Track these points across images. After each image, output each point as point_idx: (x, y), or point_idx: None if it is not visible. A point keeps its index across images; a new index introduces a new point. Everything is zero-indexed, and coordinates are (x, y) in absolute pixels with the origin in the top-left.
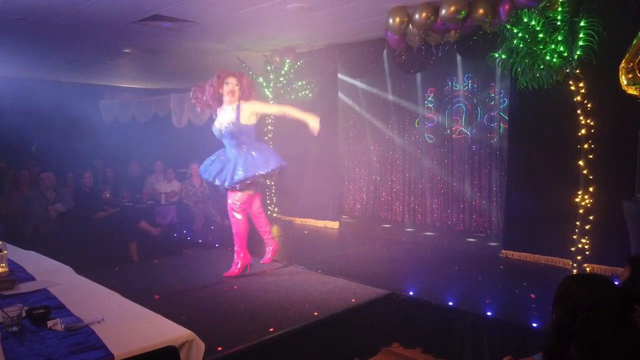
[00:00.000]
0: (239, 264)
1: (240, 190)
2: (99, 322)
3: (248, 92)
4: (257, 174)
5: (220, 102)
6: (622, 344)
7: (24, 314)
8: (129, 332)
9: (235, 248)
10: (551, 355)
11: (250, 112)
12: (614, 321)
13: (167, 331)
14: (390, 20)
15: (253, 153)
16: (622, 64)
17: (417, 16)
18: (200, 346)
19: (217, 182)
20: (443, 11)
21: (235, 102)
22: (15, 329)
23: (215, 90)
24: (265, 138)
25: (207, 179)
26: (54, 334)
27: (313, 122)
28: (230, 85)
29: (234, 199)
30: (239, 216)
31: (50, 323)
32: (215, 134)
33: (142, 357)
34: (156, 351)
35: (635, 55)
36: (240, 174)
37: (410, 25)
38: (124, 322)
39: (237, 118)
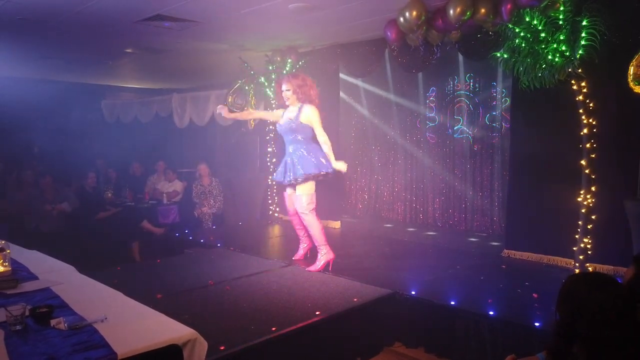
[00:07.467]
0: (322, 261)
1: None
2: (102, 321)
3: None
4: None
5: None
6: (627, 343)
7: (27, 313)
8: (132, 331)
9: (317, 245)
10: (555, 354)
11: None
12: (619, 320)
13: (170, 330)
14: (402, 18)
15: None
16: (633, 62)
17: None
18: (203, 345)
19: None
20: (450, 12)
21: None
22: (18, 327)
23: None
24: (267, 138)
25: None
26: (57, 333)
27: (340, 167)
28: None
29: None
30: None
31: (53, 322)
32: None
33: (146, 355)
34: (159, 350)
35: None
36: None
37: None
38: (127, 321)
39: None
